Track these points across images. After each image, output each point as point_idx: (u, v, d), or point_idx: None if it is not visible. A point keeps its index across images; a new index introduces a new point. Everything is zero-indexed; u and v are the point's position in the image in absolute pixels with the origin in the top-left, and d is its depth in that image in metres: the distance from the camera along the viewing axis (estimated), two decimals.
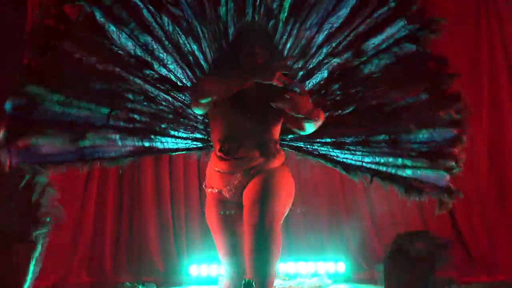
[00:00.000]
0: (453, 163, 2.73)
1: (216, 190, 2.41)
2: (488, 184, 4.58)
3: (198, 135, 2.70)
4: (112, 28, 2.47)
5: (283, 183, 2.35)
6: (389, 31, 2.60)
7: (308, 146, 2.75)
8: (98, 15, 2.45)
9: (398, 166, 2.73)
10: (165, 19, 2.48)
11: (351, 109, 2.67)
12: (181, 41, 2.52)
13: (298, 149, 2.77)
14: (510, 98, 4.53)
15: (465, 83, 4.47)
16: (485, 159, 4.60)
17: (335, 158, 2.76)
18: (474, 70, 4.59)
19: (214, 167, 2.41)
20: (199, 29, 2.51)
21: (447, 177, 2.77)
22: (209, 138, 2.63)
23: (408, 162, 2.71)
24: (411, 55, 2.63)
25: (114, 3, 2.44)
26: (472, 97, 4.50)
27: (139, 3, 2.46)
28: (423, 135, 2.68)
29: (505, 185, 4.55)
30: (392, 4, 2.57)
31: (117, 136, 2.57)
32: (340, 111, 2.67)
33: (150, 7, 2.47)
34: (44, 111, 2.44)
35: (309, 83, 2.66)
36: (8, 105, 2.42)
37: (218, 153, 2.37)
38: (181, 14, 2.48)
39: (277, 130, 2.44)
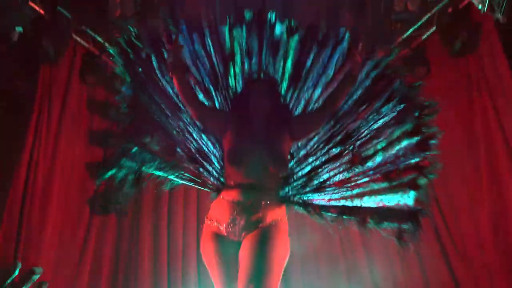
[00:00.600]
0: (418, 175, 2.66)
1: (216, 223, 2.53)
2: (494, 257, 4.55)
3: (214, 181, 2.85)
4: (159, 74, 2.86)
5: (279, 246, 2.44)
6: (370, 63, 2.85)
7: (296, 195, 2.80)
8: (153, 59, 2.85)
9: (359, 195, 2.69)
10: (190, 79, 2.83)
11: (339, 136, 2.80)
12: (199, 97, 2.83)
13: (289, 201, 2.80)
14: (509, 169, 4.57)
15: (464, 157, 4.66)
16: (489, 232, 4.61)
17: (309, 201, 2.77)
18: (470, 144, 4.75)
19: (224, 197, 2.55)
20: (213, 93, 2.87)
21: (413, 199, 2.65)
22: (221, 179, 2.79)
23: (373, 186, 2.68)
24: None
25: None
26: (471, 172, 4.70)
27: None
28: (390, 152, 2.72)
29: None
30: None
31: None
32: (330, 144, 2.81)
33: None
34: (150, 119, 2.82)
35: None
36: (126, 89, 2.84)
37: (231, 166, 2.53)
38: (200, 80, 2.86)
39: (285, 153, 2.63)
